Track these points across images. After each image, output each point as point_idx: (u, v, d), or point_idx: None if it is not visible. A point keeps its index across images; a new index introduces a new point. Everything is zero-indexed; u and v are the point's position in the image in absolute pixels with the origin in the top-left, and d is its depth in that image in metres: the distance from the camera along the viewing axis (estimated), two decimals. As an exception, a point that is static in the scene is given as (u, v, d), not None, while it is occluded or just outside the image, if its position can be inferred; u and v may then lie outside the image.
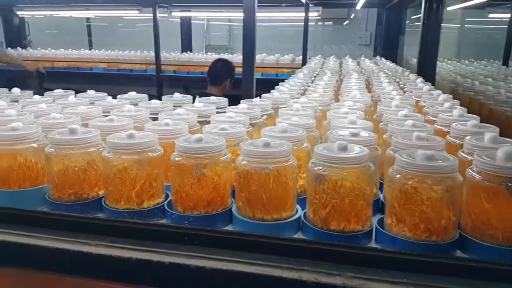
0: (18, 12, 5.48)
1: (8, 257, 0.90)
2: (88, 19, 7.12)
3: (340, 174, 0.82)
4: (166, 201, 1.01)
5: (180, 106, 1.46)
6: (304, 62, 4.35)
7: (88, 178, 1.01)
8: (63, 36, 7.21)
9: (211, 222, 0.94)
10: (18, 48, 5.59)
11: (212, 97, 1.64)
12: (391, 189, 0.82)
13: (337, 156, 0.82)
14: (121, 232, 0.88)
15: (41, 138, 1.06)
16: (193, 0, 4.49)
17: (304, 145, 1.01)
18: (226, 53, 6.18)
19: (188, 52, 5.47)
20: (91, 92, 1.68)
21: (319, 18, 5.45)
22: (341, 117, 1.21)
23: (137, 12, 4.97)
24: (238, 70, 4.45)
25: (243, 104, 1.43)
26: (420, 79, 2.12)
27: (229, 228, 0.94)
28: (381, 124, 1.21)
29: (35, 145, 1.05)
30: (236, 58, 4.76)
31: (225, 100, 1.60)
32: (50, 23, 7.17)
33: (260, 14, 5.19)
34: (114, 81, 5.21)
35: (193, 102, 1.60)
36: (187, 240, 0.84)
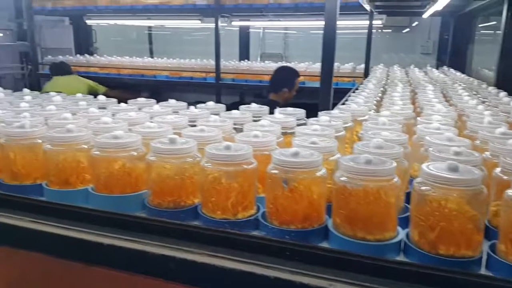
0: (87, 21, 5.80)
1: (114, 260, 0.95)
2: (149, 27, 7.41)
3: (451, 195, 0.80)
4: (260, 213, 1.02)
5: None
6: (367, 71, 4.28)
7: (185, 186, 1.05)
8: (126, 44, 7.55)
9: (307, 237, 0.94)
10: (86, 55, 5.92)
11: (289, 108, 1.64)
12: (507, 214, 0.78)
13: (449, 177, 0.80)
14: (222, 242, 0.90)
15: (141, 147, 1.12)
16: (252, 9, 4.55)
17: (403, 162, 0.99)
18: (281, 61, 6.21)
19: (246, 60, 5.55)
20: (172, 101, 1.74)
21: (381, 26, 5.34)
22: (435, 132, 1.17)
23: (199, 22, 5.11)
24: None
25: (325, 117, 1.42)
26: (503, 93, 2.02)
27: (324, 244, 0.94)
28: (476, 142, 1.17)
29: (135, 153, 1.10)
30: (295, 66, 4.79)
31: (302, 112, 1.59)
32: (114, 31, 7.52)
33: (318, 23, 5.15)
34: (175, 88, 5.40)
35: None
36: (289, 255, 0.84)
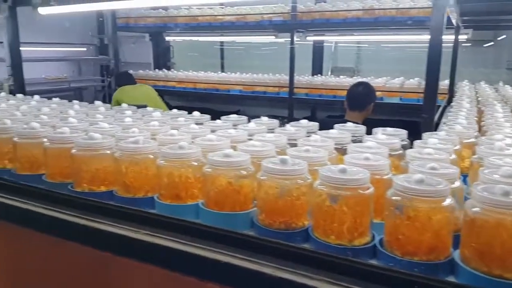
0: (166, 37, 6.11)
1: (230, 278, 0.96)
2: (221, 42, 7.61)
3: None
4: (376, 241, 0.99)
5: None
6: (452, 88, 4.08)
7: (297, 207, 1.04)
8: (199, 59, 7.82)
9: (434, 270, 0.89)
10: (164, 69, 6.22)
11: (388, 129, 1.59)
12: None
13: None
14: (341, 269, 0.88)
15: (251, 166, 1.13)
16: (329, 25, 4.53)
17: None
18: (354, 75, 6.11)
19: (319, 75, 5.52)
20: (264, 119, 1.76)
21: (463, 40, 5.09)
22: None
23: (273, 37, 5.19)
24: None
25: (433, 139, 1.35)
26: None
27: (451, 279, 0.89)
28: None
29: (244, 172, 1.12)
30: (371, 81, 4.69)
31: (404, 132, 1.54)
32: (188, 46, 7.81)
33: (394, 37, 4.99)
34: (248, 102, 5.50)
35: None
36: (418, 288, 0.80)
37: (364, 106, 3.14)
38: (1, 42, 6.07)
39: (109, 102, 9.35)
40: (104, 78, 8.91)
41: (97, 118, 1.72)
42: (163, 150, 1.19)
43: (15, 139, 1.44)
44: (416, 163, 1.10)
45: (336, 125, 1.61)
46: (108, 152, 1.30)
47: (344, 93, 4.63)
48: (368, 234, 1.00)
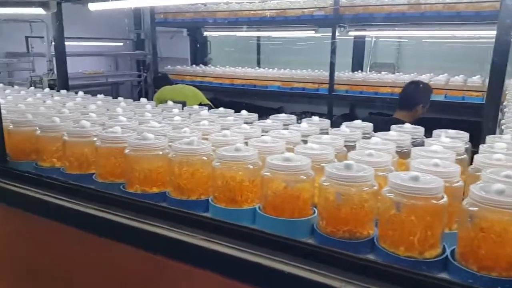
0: (204, 33, 6.13)
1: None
2: (258, 37, 7.55)
3: None
4: (447, 253, 0.93)
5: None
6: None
7: (362, 216, 1.00)
8: (235, 54, 7.79)
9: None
10: (201, 65, 6.25)
11: (450, 131, 1.51)
12: None
13: None
14: (412, 283, 0.83)
15: (311, 171, 1.09)
16: (372, 19, 4.40)
17: None
18: (393, 72, 5.94)
19: (360, 71, 5.40)
20: (315, 118, 1.72)
21: None
22: None
23: (313, 32, 5.10)
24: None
25: (500, 143, 1.28)
26: None
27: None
28: None
29: (304, 177, 1.08)
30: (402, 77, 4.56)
31: (465, 135, 1.46)
32: (225, 41, 7.81)
33: (440, 32, 4.80)
34: (286, 99, 5.45)
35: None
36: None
37: (411, 106, 3.03)
38: (42, 37, 6.29)
39: (146, 97, 9.52)
40: (140, 73, 9.08)
41: (146, 116, 1.73)
42: (219, 152, 1.17)
43: (65, 137, 1.46)
44: (489, 170, 1.03)
45: (393, 126, 1.55)
46: (161, 152, 1.29)
47: (385, 90, 4.54)
48: (439, 246, 0.94)
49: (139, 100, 2.21)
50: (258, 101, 5.46)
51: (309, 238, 1.07)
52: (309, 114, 5.19)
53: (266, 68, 5.62)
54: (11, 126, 1.61)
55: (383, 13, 4.31)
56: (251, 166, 1.16)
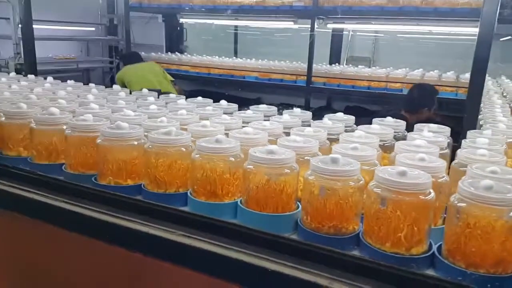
0: (180, 20, 6.00)
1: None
2: (235, 27, 7.45)
3: None
4: (434, 249, 0.91)
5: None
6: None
7: (348, 211, 0.97)
8: (211, 43, 7.67)
9: (500, 285, 0.82)
10: (177, 53, 6.11)
11: (431, 125, 1.50)
12: None
13: None
14: (401, 281, 0.81)
15: (295, 164, 1.06)
16: (352, 12, 4.40)
17: None
18: (369, 66, 5.98)
19: (337, 64, 5.41)
20: (297, 110, 1.68)
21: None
22: None
23: (292, 23, 5.07)
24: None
25: (482, 139, 1.28)
26: None
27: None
28: None
29: (288, 171, 1.04)
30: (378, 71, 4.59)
31: (447, 129, 1.45)
32: (201, 29, 7.68)
33: (418, 27, 4.83)
34: (264, 90, 5.41)
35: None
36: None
37: (416, 109, 3.08)
38: (8, 19, 5.99)
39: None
40: (112, 59, 8.83)
41: (119, 104, 1.65)
42: (199, 144, 1.12)
43: (33, 125, 1.37)
44: (475, 165, 1.02)
45: (374, 119, 1.53)
46: (136, 143, 1.23)
47: (362, 83, 4.56)
48: (425, 242, 0.93)
49: (111, 87, 2.13)
50: (235, 91, 5.40)
51: (293, 234, 1.04)
52: (287, 106, 5.17)
53: (244, 58, 5.56)
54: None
55: (362, 6, 4.31)
56: (232, 159, 1.12)
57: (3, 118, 1.43)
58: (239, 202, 1.09)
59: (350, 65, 5.37)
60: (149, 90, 2.07)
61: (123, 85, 4.63)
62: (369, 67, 5.72)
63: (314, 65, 4.80)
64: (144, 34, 7.27)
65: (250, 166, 1.06)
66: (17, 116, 1.43)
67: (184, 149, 1.18)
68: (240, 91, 5.38)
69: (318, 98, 5.34)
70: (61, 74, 6.06)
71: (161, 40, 6.62)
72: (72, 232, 1.18)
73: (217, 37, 7.72)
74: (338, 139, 1.30)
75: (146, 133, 1.25)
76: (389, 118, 1.51)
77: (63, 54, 7.64)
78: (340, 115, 1.61)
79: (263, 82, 5.05)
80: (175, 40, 6.37)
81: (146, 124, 1.33)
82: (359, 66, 5.08)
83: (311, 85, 4.66)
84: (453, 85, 4.25)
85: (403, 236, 0.90)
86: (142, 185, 1.22)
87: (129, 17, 5.69)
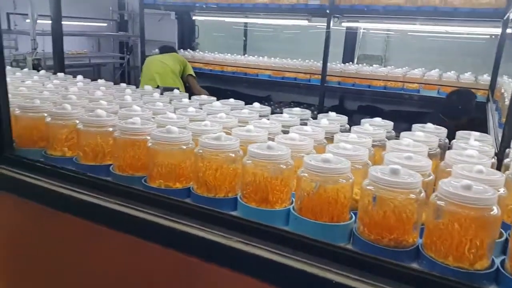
0: (194, 17, 5.97)
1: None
2: (245, 23, 7.40)
3: None
4: (498, 264, 0.91)
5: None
6: (493, 84, 3.94)
7: (408, 224, 0.96)
8: (221, 39, 7.64)
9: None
10: (188, 50, 6.09)
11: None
12: None
13: None
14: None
15: (350, 174, 1.05)
16: (370, 11, 4.36)
17: None
18: (381, 64, 5.96)
19: (350, 62, 5.38)
20: (332, 114, 1.67)
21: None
22: None
23: (306, 22, 5.04)
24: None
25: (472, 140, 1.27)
26: None
27: None
28: None
29: (344, 180, 1.04)
30: (395, 71, 4.57)
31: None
32: (212, 26, 7.65)
33: (430, 28, 4.79)
34: (277, 88, 5.39)
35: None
36: None
37: (454, 115, 3.08)
38: (26, 14, 5.98)
39: (129, 81, 9.23)
40: (124, 55, 8.82)
41: (158, 106, 1.65)
42: (252, 150, 1.12)
43: (80, 126, 1.37)
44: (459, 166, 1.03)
45: (415, 126, 1.52)
46: (185, 147, 1.23)
47: (379, 83, 4.54)
48: (489, 257, 0.92)
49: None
50: (245, 89, 5.39)
51: (348, 244, 1.03)
52: (299, 104, 5.16)
53: (256, 56, 5.53)
54: (17, 111, 1.50)
55: (379, 5, 4.27)
56: (284, 166, 1.11)
57: (49, 118, 1.43)
58: (291, 210, 1.08)
59: (364, 64, 5.34)
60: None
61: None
62: (381, 65, 5.70)
63: (330, 65, 4.77)
64: (155, 31, 7.24)
65: (304, 174, 1.05)
66: (62, 117, 1.43)
67: (233, 155, 1.18)
68: (251, 89, 5.36)
69: (331, 97, 5.32)
70: (72, 69, 6.05)
71: (173, 37, 6.59)
72: (125, 234, 1.18)
73: (226, 33, 7.68)
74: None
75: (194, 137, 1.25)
76: (429, 125, 1.50)
77: (75, 49, 7.63)
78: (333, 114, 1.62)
79: (276, 80, 5.02)
80: (187, 37, 6.34)
81: (194, 128, 1.32)
82: (374, 66, 5.05)
83: (325, 84, 4.64)
84: (472, 86, 4.21)
85: (467, 250, 0.89)
86: (191, 188, 1.22)
87: (143, 13, 5.66)
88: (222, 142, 1.17)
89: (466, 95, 3.70)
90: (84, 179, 1.26)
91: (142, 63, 5.30)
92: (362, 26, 5.49)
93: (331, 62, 5.06)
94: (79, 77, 2.31)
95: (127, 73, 9.00)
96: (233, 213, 1.14)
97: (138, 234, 1.16)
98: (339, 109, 5.42)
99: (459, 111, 3.37)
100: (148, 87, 2.06)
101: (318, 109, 4.66)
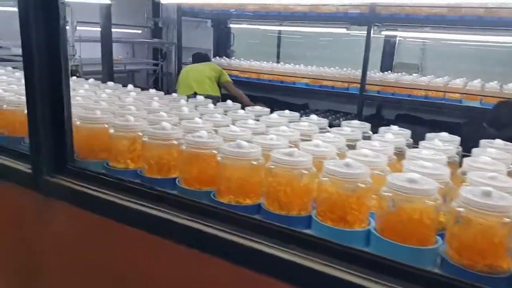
0: (230, 25, 6.01)
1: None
2: (279, 31, 7.38)
3: None
4: None
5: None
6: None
7: (501, 249, 0.91)
8: (256, 47, 7.64)
9: None
10: (224, 57, 6.12)
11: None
12: None
13: None
14: None
15: (438, 195, 1.00)
16: (409, 20, 4.28)
17: None
18: (417, 73, 5.82)
19: (389, 71, 5.29)
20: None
21: None
22: None
23: (345, 30, 4.99)
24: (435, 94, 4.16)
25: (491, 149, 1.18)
26: None
27: None
28: None
29: (431, 202, 0.99)
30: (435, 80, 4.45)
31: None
32: (246, 33, 7.66)
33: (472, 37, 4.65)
34: (315, 96, 5.35)
35: None
36: None
37: (499, 126, 3.00)
38: (66, 22, 6.16)
39: (162, 87, 9.32)
40: (158, 62, 8.94)
41: (216, 118, 1.64)
42: (328, 167, 1.08)
43: (145, 139, 1.37)
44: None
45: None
46: (256, 163, 1.20)
47: (420, 92, 4.43)
48: None
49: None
50: (282, 96, 5.37)
51: (434, 268, 0.98)
52: (335, 113, 5.10)
53: (292, 64, 5.50)
54: (78, 122, 1.52)
55: (421, 14, 4.19)
56: (363, 185, 1.07)
57: (112, 130, 1.44)
58: (373, 230, 1.04)
59: (403, 72, 5.23)
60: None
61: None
62: (418, 74, 5.56)
63: (370, 73, 4.70)
64: (192, 38, 7.31)
65: (388, 194, 1.01)
66: (126, 129, 1.43)
67: (306, 171, 1.15)
68: (287, 96, 5.33)
69: (368, 106, 5.24)
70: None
71: (209, 44, 6.65)
72: (192, 249, 1.17)
73: (260, 40, 7.67)
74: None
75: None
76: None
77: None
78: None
79: (313, 89, 4.98)
80: (222, 44, 6.38)
81: (262, 142, 1.30)
82: (413, 74, 4.95)
83: (364, 93, 4.56)
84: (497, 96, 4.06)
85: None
86: (261, 205, 1.19)
87: (181, 20, 5.73)
88: (295, 158, 1.14)
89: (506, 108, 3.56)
90: (150, 193, 1.25)
91: (179, 70, 5.36)
92: (403, 35, 5.38)
93: (368, 70, 4.99)
94: (130, 86, 2.33)
95: (160, 80, 9.12)
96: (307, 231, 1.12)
97: (206, 250, 1.14)
98: (376, 118, 5.34)
99: (505, 122, 3.24)
100: (200, 97, 2.06)
101: (357, 118, 4.59)
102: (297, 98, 5.48)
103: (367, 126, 1.69)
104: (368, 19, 4.38)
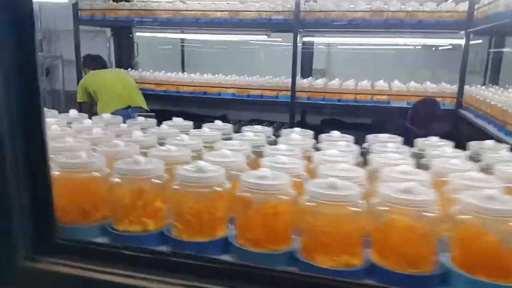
0: (137, 33, 5.53)
1: None
2: (182, 40, 7.03)
3: None
4: None
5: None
6: (461, 92, 4.10)
7: None
8: (159, 57, 7.19)
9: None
10: (129, 69, 5.59)
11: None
12: None
13: None
14: None
15: None
16: (335, 26, 4.35)
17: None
18: (324, 77, 6.00)
19: (310, 77, 5.32)
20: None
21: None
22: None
23: (265, 37, 4.90)
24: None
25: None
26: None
27: None
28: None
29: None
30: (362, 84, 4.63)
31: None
32: (148, 43, 7.18)
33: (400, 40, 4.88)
34: (242, 107, 5.13)
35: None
36: None
37: (421, 124, 3.08)
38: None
39: (53, 107, 8.30)
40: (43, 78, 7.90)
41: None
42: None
43: (176, 187, 1.02)
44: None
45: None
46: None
47: (349, 96, 4.52)
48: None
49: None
50: (208, 109, 5.08)
51: None
52: (264, 122, 4.96)
53: (218, 74, 5.22)
54: (56, 172, 1.09)
55: (345, 19, 4.28)
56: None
57: (117, 179, 1.05)
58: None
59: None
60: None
61: (87, 94, 4.12)
62: (325, 78, 5.71)
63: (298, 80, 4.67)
64: (91, 49, 6.57)
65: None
66: (136, 176, 1.07)
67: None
68: (213, 109, 5.07)
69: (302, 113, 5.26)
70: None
71: (109, 55, 6.02)
72: None
73: (163, 50, 7.23)
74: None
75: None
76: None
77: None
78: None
79: (241, 99, 4.79)
80: (125, 55, 5.82)
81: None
82: (336, 79, 5.04)
83: (296, 101, 4.50)
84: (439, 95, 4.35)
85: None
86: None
87: (79, 30, 5.08)
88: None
89: (431, 104, 3.79)
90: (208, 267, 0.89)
91: (86, 59, 4.68)
92: (324, 41, 5.49)
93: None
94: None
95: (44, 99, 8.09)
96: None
97: None
98: (302, 125, 5.32)
99: (424, 120, 3.43)
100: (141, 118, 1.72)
101: (289, 126, 4.51)
102: (220, 110, 5.23)
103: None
104: (292, 25, 4.34)
